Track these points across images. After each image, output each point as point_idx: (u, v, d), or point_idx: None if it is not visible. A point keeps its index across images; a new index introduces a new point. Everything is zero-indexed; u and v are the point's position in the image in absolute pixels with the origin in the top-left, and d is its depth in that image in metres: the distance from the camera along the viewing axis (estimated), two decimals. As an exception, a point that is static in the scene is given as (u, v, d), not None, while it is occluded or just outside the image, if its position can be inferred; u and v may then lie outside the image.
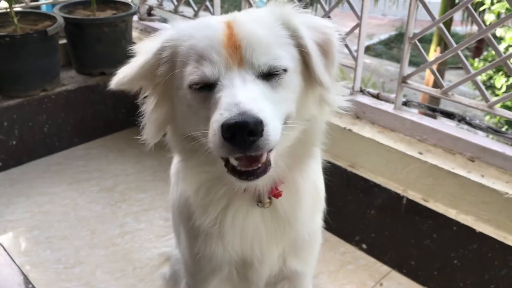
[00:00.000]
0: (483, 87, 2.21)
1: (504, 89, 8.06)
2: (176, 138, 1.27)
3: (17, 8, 3.38)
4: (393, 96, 2.49)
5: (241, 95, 1.05)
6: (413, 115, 2.40)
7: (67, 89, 3.32)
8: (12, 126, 3.12)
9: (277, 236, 1.37)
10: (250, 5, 2.91)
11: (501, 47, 7.34)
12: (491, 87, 8.29)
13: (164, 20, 3.86)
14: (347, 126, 2.43)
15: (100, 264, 2.48)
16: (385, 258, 2.49)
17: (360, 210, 2.51)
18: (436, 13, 2.24)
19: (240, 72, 1.10)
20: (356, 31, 2.46)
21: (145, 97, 1.30)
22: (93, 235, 2.67)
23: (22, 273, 2.39)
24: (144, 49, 1.24)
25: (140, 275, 2.42)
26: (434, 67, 2.32)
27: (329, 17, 2.55)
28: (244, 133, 0.99)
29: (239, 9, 3.00)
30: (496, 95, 7.72)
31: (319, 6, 2.66)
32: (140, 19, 3.83)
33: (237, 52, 1.10)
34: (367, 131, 2.43)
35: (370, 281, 2.40)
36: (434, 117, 2.57)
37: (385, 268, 2.47)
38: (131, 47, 1.28)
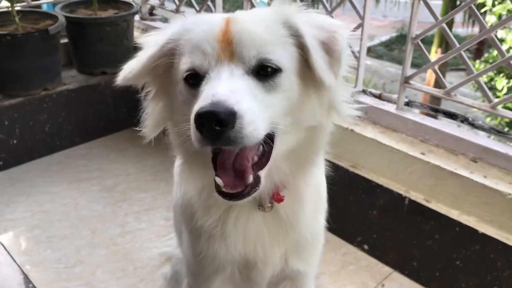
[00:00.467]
0: (486, 88, 2.20)
1: (505, 90, 8.06)
2: (178, 139, 1.26)
3: (18, 7, 3.37)
4: (395, 96, 2.48)
5: (221, 87, 1.04)
6: (415, 115, 2.40)
7: (68, 89, 3.31)
8: (13, 125, 3.12)
9: (279, 238, 1.37)
10: (252, 5, 2.90)
11: (502, 48, 7.31)
12: (492, 89, 8.29)
13: (165, 20, 3.85)
14: (349, 126, 2.42)
15: (101, 263, 2.47)
16: (387, 259, 2.48)
17: (362, 210, 2.50)
18: (437, 14, 2.24)
19: (229, 66, 1.09)
20: (358, 31, 2.45)
21: (148, 92, 1.31)
22: (93, 234, 2.67)
23: (23, 272, 2.38)
24: (150, 43, 1.24)
25: (141, 275, 2.41)
26: (436, 67, 2.32)
27: (331, 17, 2.54)
28: (212, 123, 0.98)
29: (241, 9, 3.00)
30: (497, 97, 7.71)
31: (321, 6, 2.66)
32: (142, 18, 3.83)
33: (229, 47, 1.10)
34: (369, 131, 2.42)
35: (372, 282, 2.39)
36: (435, 117, 2.57)
37: (387, 269, 2.46)
38: (135, 43, 1.28)
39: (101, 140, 3.53)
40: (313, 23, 1.17)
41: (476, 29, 12.21)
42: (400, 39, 16.62)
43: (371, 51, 15.78)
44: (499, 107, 2.18)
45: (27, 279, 2.34)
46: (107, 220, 2.77)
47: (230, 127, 0.99)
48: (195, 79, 1.13)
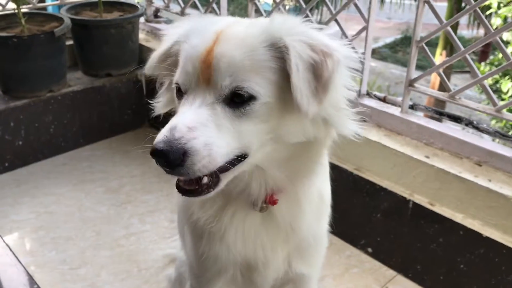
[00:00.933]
0: (490, 91, 2.19)
1: (510, 93, 8.02)
2: None
3: (24, 9, 3.39)
4: (399, 99, 2.48)
5: (183, 119, 1.06)
6: (420, 118, 2.39)
7: (73, 90, 3.33)
8: (18, 126, 3.13)
9: (279, 240, 1.37)
10: (257, 8, 2.91)
11: (507, 51, 7.29)
12: (497, 92, 8.25)
13: (170, 22, 3.86)
14: (352, 138, 2.42)
15: (105, 265, 2.48)
16: (390, 262, 2.47)
17: (365, 213, 2.50)
18: (442, 17, 2.24)
19: (204, 92, 1.10)
20: (363, 34, 2.46)
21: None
22: (98, 236, 2.68)
23: (28, 273, 2.38)
24: (168, 36, 1.27)
25: (145, 277, 2.42)
26: (441, 71, 2.31)
27: (336, 20, 2.55)
28: (162, 161, 1.04)
29: (245, 12, 3.00)
30: (503, 99, 7.68)
31: (325, 9, 2.66)
32: (147, 20, 3.84)
33: (208, 70, 1.10)
34: (373, 134, 2.42)
35: (376, 285, 2.39)
36: (440, 120, 2.57)
37: (390, 272, 2.46)
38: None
39: (106, 141, 3.55)
40: (306, 43, 1.10)
41: (481, 31, 12.19)
42: (405, 41, 16.59)
43: (376, 53, 15.77)
44: (504, 110, 2.17)
45: (32, 280, 2.35)
46: (111, 221, 2.78)
47: (180, 166, 1.03)
48: (181, 91, 1.16)
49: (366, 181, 2.44)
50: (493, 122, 8.58)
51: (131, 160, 3.31)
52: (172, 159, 1.02)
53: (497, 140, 2.53)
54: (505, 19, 7.73)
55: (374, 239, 2.52)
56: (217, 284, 1.44)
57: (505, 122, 8.25)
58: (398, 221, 2.38)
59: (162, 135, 1.05)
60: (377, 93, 2.59)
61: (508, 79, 8.16)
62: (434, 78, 10.32)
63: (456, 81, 12.55)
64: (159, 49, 1.28)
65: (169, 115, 1.19)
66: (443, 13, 2.20)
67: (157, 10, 3.87)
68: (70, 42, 3.46)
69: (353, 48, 1.22)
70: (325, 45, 1.12)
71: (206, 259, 1.39)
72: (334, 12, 2.54)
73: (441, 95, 2.34)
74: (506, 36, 7.62)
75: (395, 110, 2.45)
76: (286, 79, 1.09)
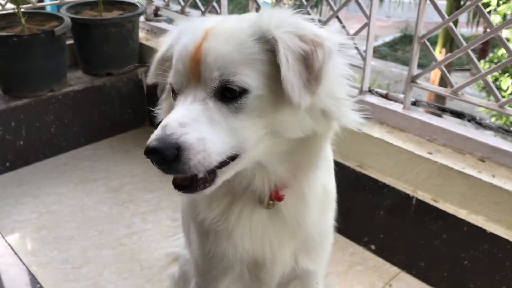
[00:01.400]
0: (493, 87, 2.19)
1: (510, 90, 8.03)
2: None
3: (24, 8, 3.39)
4: (401, 96, 2.47)
5: (175, 117, 1.06)
6: (422, 115, 2.39)
7: (74, 90, 3.32)
8: (19, 126, 3.12)
9: (286, 237, 1.36)
10: (258, 5, 2.90)
11: (510, 46, 7.29)
12: (497, 89, 8.27)
13: (170, 21, 3.86)
14: (356, 130, 2.41)
15: (108, 264, 2.48)
16: (394, 259, 2.47)
17: (369, 210, 2.50)
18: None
19: (196, 89, 1.09)
20: (364, 31, 2.45)
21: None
22: (100, 235, 2.67)
23: (30, 273, 2.37)
24: (163, 42, 1.27)
25: (148, 275, 2.41)
26: (443, 67, 2.31)
27: (337, 17, 2.54)
28: (157, 159, 1.03)
29: (245, 11, 2.99)
30: (503, 97, 7.69)
31: (325, 7, 2.65)
32: (147, 19, 3.83)
33: (197, 67, 1.09)
34: (376, 131, 2.42)
35: (379, 282, 2.38)
36: (441, 116, 2.56)
37: (394, 269, 2.45)
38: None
39: (107, 141, 3.54)
40: (296, 33, 1.07)
41: (481, 29, 12.19)
42: (404, 40, 16.60)
43: (375, 52, 15.68)
44: (507, 106, 2.17)
45: (34, 280, 2.34)
46: (113, 220, 2.77)
47: (176, 161, 1.02)
48: (175, 92, 1.16)
49: (368, 178, 2.43)
50: (493, 119, 8.58)
51: (133, 159, 3.31)
52: (166, 154, 1.01)
53: (499, 135, 2.53)
54: (504, 16, 7.74)
55: (377, 236, 2.52)
56: (224, 281, 1.43)
57: (505, 119, 8.25)
58: (402, 218, 2.37)
59: (154, 134, 1.04)
60: (379, 90, 2.58)
61: (508, 76, 8.17)
62: (434, 76, 10.33)
63: (456, 79, 12.52)
64: (157, 55, 1.27)
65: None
66: (442, 11, 2.19)
67: (157, 9, 3.86)
68: (70, 42, 3.45)
69: (355, 45, 1.20)
70: (315, 34, 1.09)
71: (212, 257, 1.38)
72: (335, 9, 2.53)
73: (444, 91, 2.33)
74: (505, 33, 7.63)
75: (397, 107, 2.45)
76: (279, 72, 1.07)
